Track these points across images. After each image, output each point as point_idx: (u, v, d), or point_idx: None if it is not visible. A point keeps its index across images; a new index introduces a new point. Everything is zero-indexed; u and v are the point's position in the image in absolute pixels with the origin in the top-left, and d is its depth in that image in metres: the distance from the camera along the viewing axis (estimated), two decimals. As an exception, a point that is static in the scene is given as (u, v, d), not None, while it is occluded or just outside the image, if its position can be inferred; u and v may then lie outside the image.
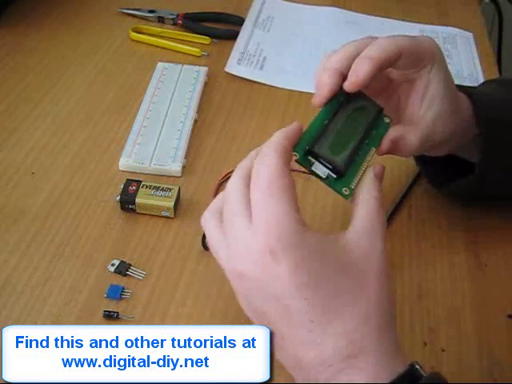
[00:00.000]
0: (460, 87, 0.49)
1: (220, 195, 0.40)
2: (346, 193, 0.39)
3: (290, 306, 0.34)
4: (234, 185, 0.38)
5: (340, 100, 0.42)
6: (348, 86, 0.41)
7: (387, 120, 0.43)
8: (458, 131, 0.47)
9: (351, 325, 0.34)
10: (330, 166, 0.39)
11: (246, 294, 0.37)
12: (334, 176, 0.39)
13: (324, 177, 0.39)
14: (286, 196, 0.35)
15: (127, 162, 0.56)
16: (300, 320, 0.34)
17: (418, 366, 0.34)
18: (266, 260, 0.34)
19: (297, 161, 0.39)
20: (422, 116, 0.45)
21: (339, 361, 0.34)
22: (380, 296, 0.35)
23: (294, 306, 0.34)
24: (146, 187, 0.52)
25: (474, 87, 0.53)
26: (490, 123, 0.48)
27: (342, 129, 0.41)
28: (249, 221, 0.36)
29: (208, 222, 0.39)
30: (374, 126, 0.42)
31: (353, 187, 0.39)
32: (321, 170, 0.39)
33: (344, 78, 0.42)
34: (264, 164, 0.36)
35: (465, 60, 0.76)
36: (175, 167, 0.56)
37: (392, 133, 0.42)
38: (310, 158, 0.39)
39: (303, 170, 0.52)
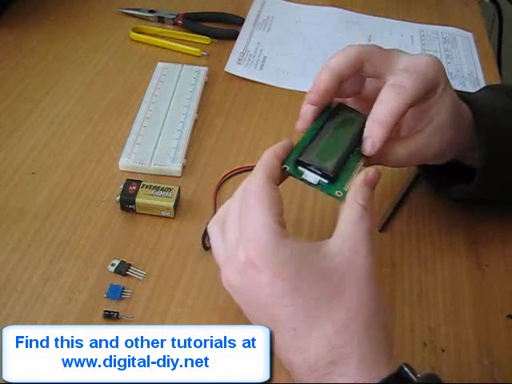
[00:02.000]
0: (460, 94, 0.48)
1: (226, 203, 0.42)
2: (340, 195, 0.40)
3: (274, 314, 0.36)
4: (234, 197, 0.41)
5: (326, 115, 0.44)
6: (309, 95, 0.44)
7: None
8: (458, 141, 0.47)
9: (332, 330, 0.35)
10: (320, 172, 0.41)
11: (238, 301, 0.39)
12: (326, 181, 0.41)
13: (315, 183, 0.41)
14: (265, 208, 0.37)
15: (127, 161, 0.56)
16: (284, 327, 0.36)
17: (406, 369, 0.34)
18: (249, 271, 0.36)
19: (288, 172, 0.41)
20: (420, 130, 0.45)
21: (323, 366, 0.34)
22: (363, 300, 0.36)
23: (278, 315, 0.36)
24: (146, 187, 0.52)
25: (474, 94, 0.53)
26: (491, 133, 0.47)
27: (329, 138, 0.43)
28: (239, 234, 0.38)
29: (211, 229, 0.42)
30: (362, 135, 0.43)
31: (346, 190, 0.40)
32: (312, 177, 0.41)
33: (342, 81, 0.44)
34: (250, 181, 0.39)
35: (465, 60, 0.76)
36: (175, 167, 0.56)
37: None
38: (299, 168, 0.41)
39: None
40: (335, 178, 0.41)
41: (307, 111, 0.44)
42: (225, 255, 0.39)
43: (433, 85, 0.44)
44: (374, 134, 0.41)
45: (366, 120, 0.43)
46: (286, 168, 0.41)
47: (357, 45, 0.45)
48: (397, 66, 0.44)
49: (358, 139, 0.42)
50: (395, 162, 0.45)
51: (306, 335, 0.35)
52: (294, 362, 0.36)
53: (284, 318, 0.36)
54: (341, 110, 0.45)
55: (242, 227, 0.38)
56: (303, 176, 0.41)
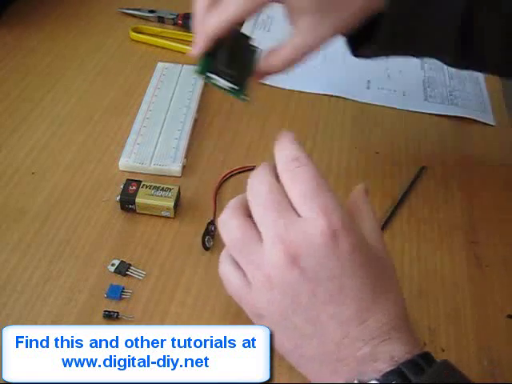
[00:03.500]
0: None
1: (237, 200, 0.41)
2: (245, 98, 0.47)
3: (346, 284, 0.37)
4: (269, 184, 0.39)
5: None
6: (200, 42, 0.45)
7: (257, 49, 0.50)
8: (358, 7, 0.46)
9: (389, 304, 0.37)
10: (228, 77, 0.46)
11: (290, 283, 0.37)
12: (236, 87, 0.47)
13: (227, 88, 0.47)
14: (332, 189, 0.38)
15: (127, 161, 0.56)
16: (351, 297, 0.37)
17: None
18: (329, 241, 0.36)
19: (204, 79, 0.47)
20: (294, 27, 0.46)
21: (380, 334, 0.36)
22: (398, 284, 0.40)
23: (349, 285, 0.37)
24: (146, 187, 0.52)
25: None
26: None
27: (231, 51, 0.47)
28: (295, 215, 0.37)
29: (235, 217, 0.40)
30: (250, 53, 0.49)
31: (247, 94, 0.47)
32: (224, 83, 0.47)
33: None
34: (302, 168, 0.39)
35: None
36: (175, 167, 0.56)
37: (261, 64, 0.47)
38: (210, 74, 0.46)
39: None
40: (242, 86, 0.47)
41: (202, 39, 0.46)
42: (287, 234, 0.37)
43: None
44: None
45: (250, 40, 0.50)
46: (201, 76, 0.47)
47: None
48: None
49: (253, 53, 0.49)
50: (280, 67, 0.48)
51: (372, 306, 0.37)
52: (349, 333, 0.37)
53: (353, 288, 0.37)
54: (237, 32, 0.50)
55: (309, 203, 0.37)
56: (216, 81, 0.46)
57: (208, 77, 0.46)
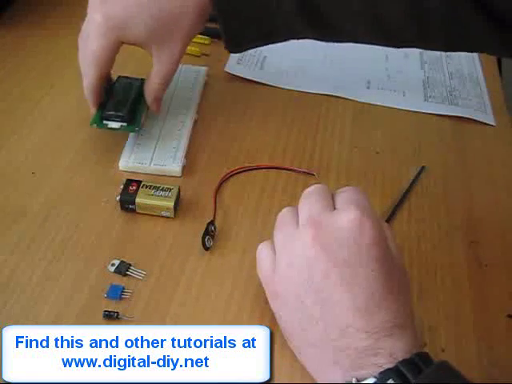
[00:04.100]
0: None
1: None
2: (137, 130, 0.56)
3: (359, 273, 0.38)
4: (315, 187, 0.44)
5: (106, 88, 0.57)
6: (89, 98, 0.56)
7: (135, 82, 0.59)
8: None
9: (397, 303, 0.38)
10: (118, 119, 0.55)
11: (308, 258, 0.39)
12: (125, 124, 0.55)
13: (118, 128, 0.55)
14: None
15: (127, 162, 0.56)
16: (362, 287, 0.38)
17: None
18: (355, 228, 0.39)
19: (98, 128, 0.55)
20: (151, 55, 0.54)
21: (384, 329, 0.37)
22: (409, 285, 0.42)
23: (362, 275, 0.38)
24: (146, 187, 0.52)
25: None
26: None
27: (117, 97, 0.57)
28: (333, 207, 0.41)
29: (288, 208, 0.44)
30: (133, 88, 0.59)
31: (140, 125, 0.56)
32: (115, 124, 0.55)
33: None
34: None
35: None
36: (175, 167, 0.56)
37: (146, 94, 0.56)
38: (104, 122, 0.55)
39: (304, 170, 0.55)
40: (131, 120, 0.55)
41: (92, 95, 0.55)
42: (319, 215, 0.40)
43: (108, 54, 0.54)
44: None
45: (141, 80, 0.58)
46: (94, 125, 0.55)
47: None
48: None
49: (140, 92, 0.57)
50: (158, 90, 0.57)
51: (380, 301, 0.38)
52: (354, 323, 0.37)
53: (367, 280, 0.38)
54: (120, 79, 0.60)
55: (351, 197, 0.41)
56: (109, 125, 0.55)
57: (103, 124, 0.55)
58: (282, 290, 0.41)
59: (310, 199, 0.42)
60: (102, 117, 0.55)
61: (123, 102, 0.56)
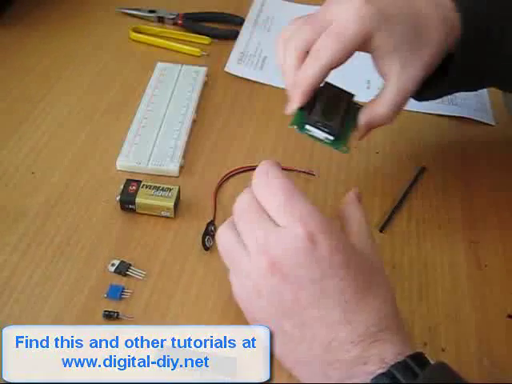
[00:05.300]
0: None
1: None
2: (345, 150, 0.47)
3: (328, 286, 0.37)
4: (248, 201, 0.41)
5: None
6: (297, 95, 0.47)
7: (357, 105, 0.49)
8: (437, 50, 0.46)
9: (377, 303, 0.38)
10: (326, 129, 0.46)
11: (273, 288, 0.38)
12: (332, 138, 0.47)
13: (323, 139, 0.47)
14: (305, 197, 0.40)
15: (125, 161, 0.56)
16: (335, 300, 0.37)
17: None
18: (307, 245, 0.37)
19: (299, 130, 0.47)
20: (385, 74, 0.46)
21: (373, 333, 0.37)
22: (388, 283, 0.40)
23: (331, 287, 0.37)
24: (146, 187, 0.52)
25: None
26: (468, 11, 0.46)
27: (325, 105, 0.47)
28: (274, 225, 0.39)
29: (225, 233, 0.42)
30: (351, 109, 0.48)
31: (349, 146, 0.47)
32: (320, 134, 0.47)
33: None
34: (271, 179, 0.40)
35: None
36: (172, 167, 0.56)
37: (362, 117, 0.47)
38: (306, 126, 0.47)
39: (303, 170, 0.55)
40: (340, 135, 0.47)
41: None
42: (266, 241, 0.38)
43: (358, 39, 0.44)
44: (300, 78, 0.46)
45: (351, 96, 0.49)
46: (294, 127, 0.47)
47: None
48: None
49: (352, 107, 0.48)
50: (384, 120, 0.47)
51: (356, 308, 0.37)
52: (337, 336, 0.37)
53: (337, 289, 0.37)
54: (327, 86, 0.49)
55: (291, 210, 0.38)
56: (311, 133, 0.47)
57: (305, 129, 0.47)
58: (259, 318, 0.40)
59: (245, 219, 0.40)
60: (305, 121, 0.47)
61: (333, 112, 0.47)
